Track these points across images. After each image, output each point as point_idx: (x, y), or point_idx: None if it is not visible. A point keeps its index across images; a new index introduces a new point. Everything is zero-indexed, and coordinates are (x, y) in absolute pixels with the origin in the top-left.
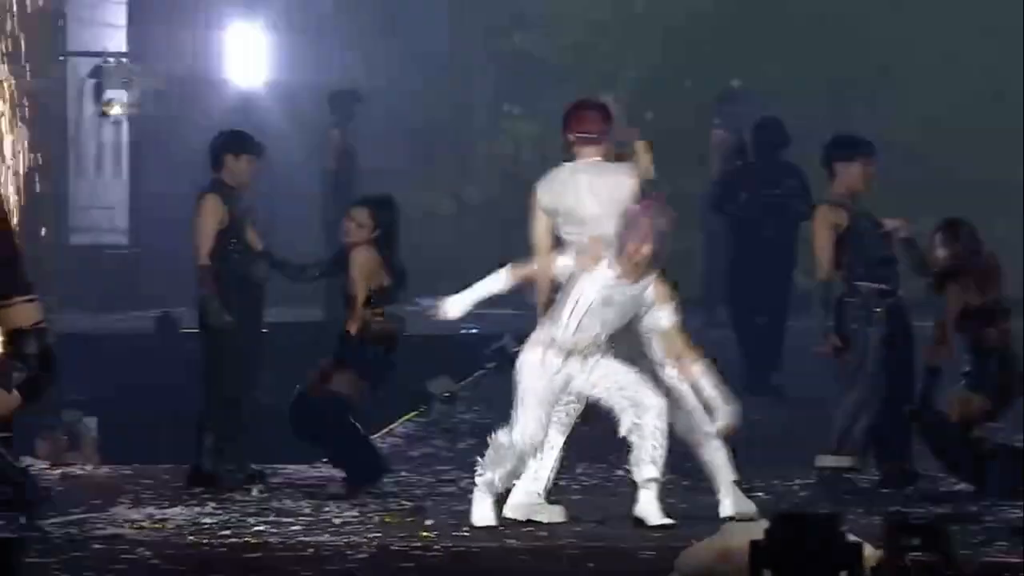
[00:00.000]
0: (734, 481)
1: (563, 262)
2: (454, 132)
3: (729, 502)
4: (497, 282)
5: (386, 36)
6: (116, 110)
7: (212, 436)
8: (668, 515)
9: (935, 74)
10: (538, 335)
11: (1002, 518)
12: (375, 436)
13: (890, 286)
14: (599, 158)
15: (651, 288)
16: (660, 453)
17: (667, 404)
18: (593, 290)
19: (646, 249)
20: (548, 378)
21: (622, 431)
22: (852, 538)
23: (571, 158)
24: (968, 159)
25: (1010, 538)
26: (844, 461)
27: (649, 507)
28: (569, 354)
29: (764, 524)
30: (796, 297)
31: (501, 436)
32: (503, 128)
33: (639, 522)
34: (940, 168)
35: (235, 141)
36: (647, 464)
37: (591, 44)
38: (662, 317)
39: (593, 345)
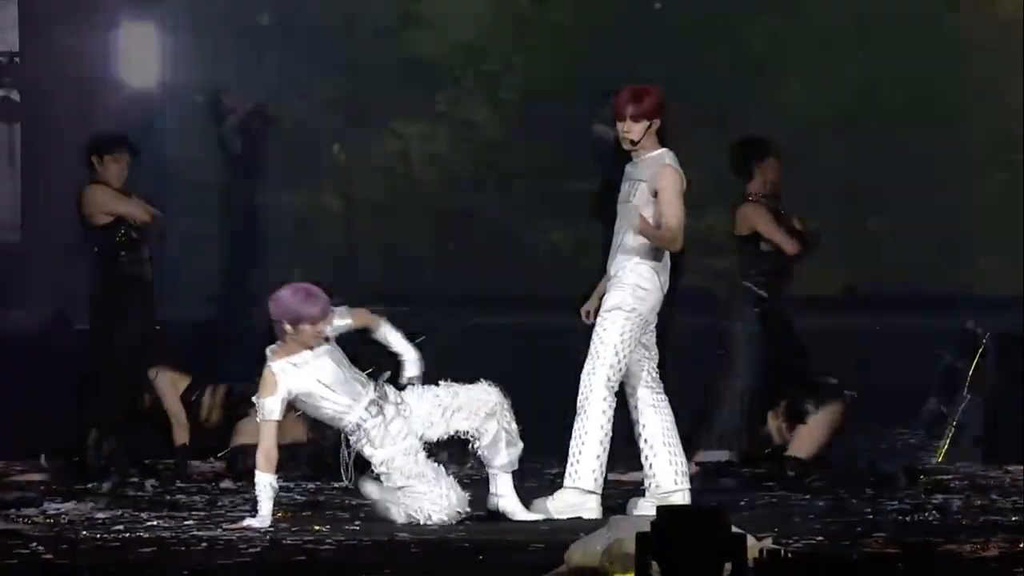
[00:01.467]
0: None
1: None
2: (343, 131)
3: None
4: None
5: (278, 36)
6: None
7: (98, 432)
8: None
9: (812, 72)
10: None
11: (880, 509)
12: None
13: (771, 293)
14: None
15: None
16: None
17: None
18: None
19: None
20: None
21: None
22: (736, 530)
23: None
24: (843, 159)
25: (888, 529)
26: (723, 455)
27: (511, 501)
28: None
29: (651, 517)
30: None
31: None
32: (392, 127)
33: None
34: (815, 168)
35: (100, 143)
36: (501, 452)
37: (479, 44)
38: (337, 319)
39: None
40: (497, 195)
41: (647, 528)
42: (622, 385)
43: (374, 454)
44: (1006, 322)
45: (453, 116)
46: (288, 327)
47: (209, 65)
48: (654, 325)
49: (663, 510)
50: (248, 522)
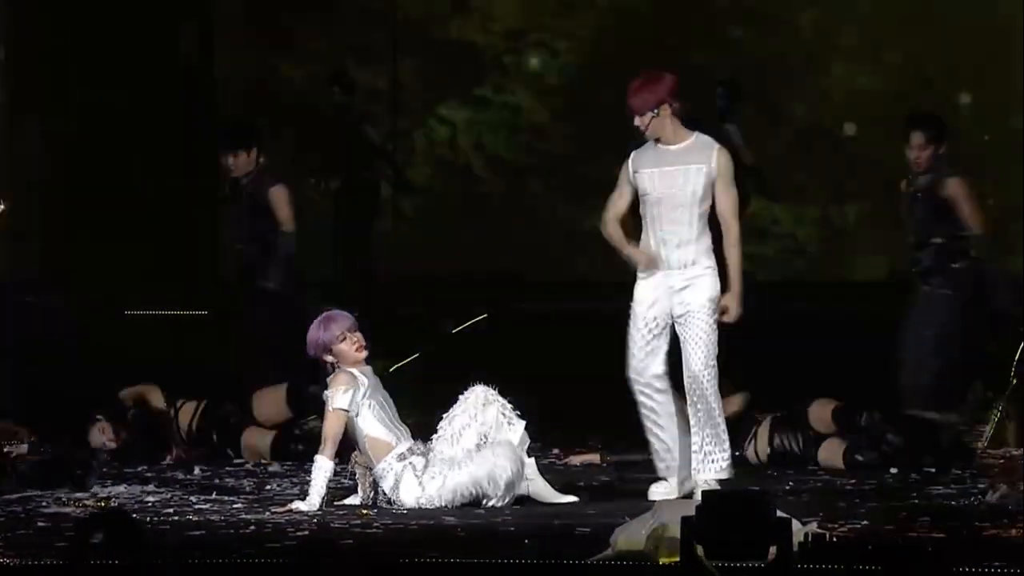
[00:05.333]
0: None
1: None
2: (392, 118)
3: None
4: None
5: (324, 24)
6: None
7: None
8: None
9: (860, 60)
10: (396, 467)
11: (924, 495)
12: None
13: None
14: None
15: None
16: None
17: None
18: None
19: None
20: (433, 491)
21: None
22: (781, 514)
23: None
24: (893, 146)
25: (933, 513)
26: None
27: (540, 484)
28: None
29: (696, 501)
30: None
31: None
32: (438, 113)
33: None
34: (865, 154)
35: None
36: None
37: (523, 31)
38: None
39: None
40: (542, 179)
41: (692, 512)
42: (676, 368)
43: (405, 497)
44: None
45: (498, 102)
46: (328, 358)
47: (255, 52)
48: None
49: (708, 495)
50: (296, 505)
